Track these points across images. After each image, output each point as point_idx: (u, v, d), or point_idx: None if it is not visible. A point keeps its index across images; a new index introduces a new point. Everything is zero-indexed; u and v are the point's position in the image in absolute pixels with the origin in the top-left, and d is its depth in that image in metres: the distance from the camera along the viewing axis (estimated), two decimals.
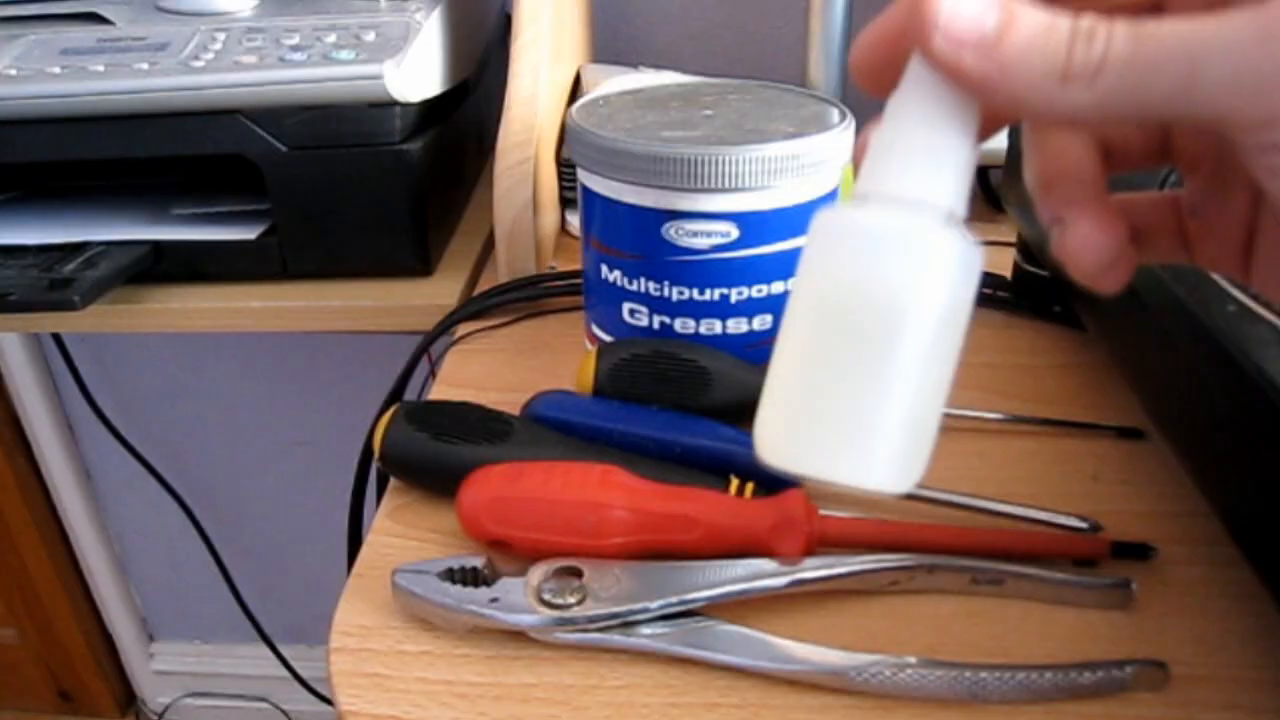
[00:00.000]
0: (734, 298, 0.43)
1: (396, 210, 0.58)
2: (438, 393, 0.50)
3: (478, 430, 0.40)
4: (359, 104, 0.54)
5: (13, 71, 0.55)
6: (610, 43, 0.85)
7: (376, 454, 0.40)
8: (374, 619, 0.36)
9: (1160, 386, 0.36)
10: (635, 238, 0.43)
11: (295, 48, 0.55)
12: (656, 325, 0.44)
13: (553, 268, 0.59)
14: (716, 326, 0.43)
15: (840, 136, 0.42)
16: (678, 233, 0.41)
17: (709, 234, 0.41)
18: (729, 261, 0.42)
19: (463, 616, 0.34)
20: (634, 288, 0.43)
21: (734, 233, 0.41)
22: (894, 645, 0.33)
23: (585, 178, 0.44)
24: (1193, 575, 0.36)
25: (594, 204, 0.44)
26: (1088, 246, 0.21)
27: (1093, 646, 0.33)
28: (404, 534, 0.40)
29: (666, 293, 0.43)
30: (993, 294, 0.55)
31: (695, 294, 0.43)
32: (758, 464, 0.20)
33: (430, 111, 0.59)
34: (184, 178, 0.66)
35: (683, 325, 0.43)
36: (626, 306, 0.44)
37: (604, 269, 0.45)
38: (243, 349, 1.08)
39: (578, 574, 0.34)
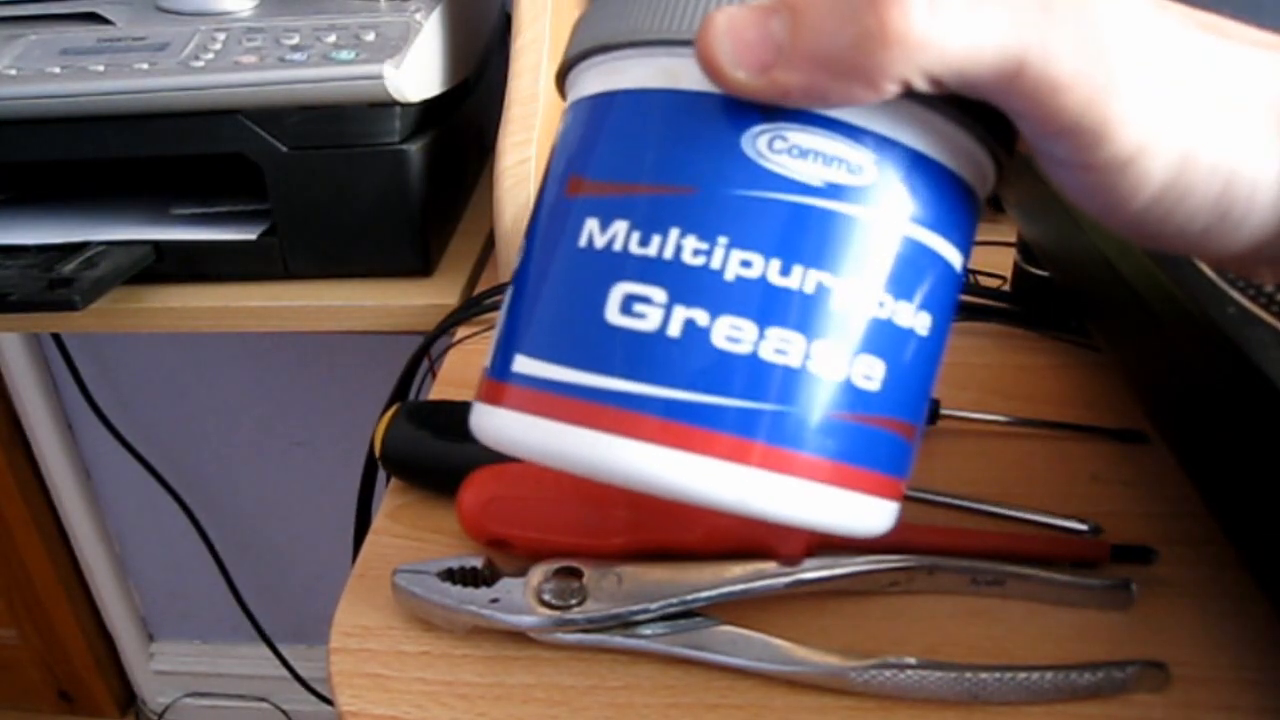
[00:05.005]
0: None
1: (396, 210, 0.58)
2: (438, 393, 0.50)
3: None
4: (359, 104, 0.54)
5: (13, 71, 0.55)
6: None
7: (377, 453, 0.41)
8: (374, 619, 0.36)
9: (1160, 388, 0.36)
10: (684, 157, 0.21)
11: (295, 48, 0.55)
12: (676, 330, 0.20)
13: None
14: (792, 349, 0.20)
15: None
16: (773, 146, 0.20)
17: (829, 158, 0.20)
18: (846, 221, 0.20)
19: (463, 617, 0.34)
20: (648, 251, 0.21)
21: (871, 172, 0.21)
22: (894, 646, 0.33)
23: (595, 73, 0.23)
24: (1193, 576, 0.36)
25: (603, 114, 0.23)
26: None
27: (1093, 647, 0.33)
28: (404, 534, 0.40)
29: (719, 259, 0.20)
30: (993, 294, 0.55)
31: (773, 268, 0.20)
32: None
33: (430, 111, 0.59)
34: (184, 178, 0.66)
35: (731, 331, 0.20)
36: (620, 292, 0.21)
37: (591, 230, 0.21)
38: (243, 349, 1.08)
39: (578, 574, 0.34)
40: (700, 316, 0.20)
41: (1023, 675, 0.31)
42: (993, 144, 0.22)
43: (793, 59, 0.18)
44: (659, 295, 0.20)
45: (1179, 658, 0.32)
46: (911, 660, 0.31)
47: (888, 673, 0.31)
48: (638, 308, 0.20)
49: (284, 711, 1.33)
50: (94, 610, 1.30)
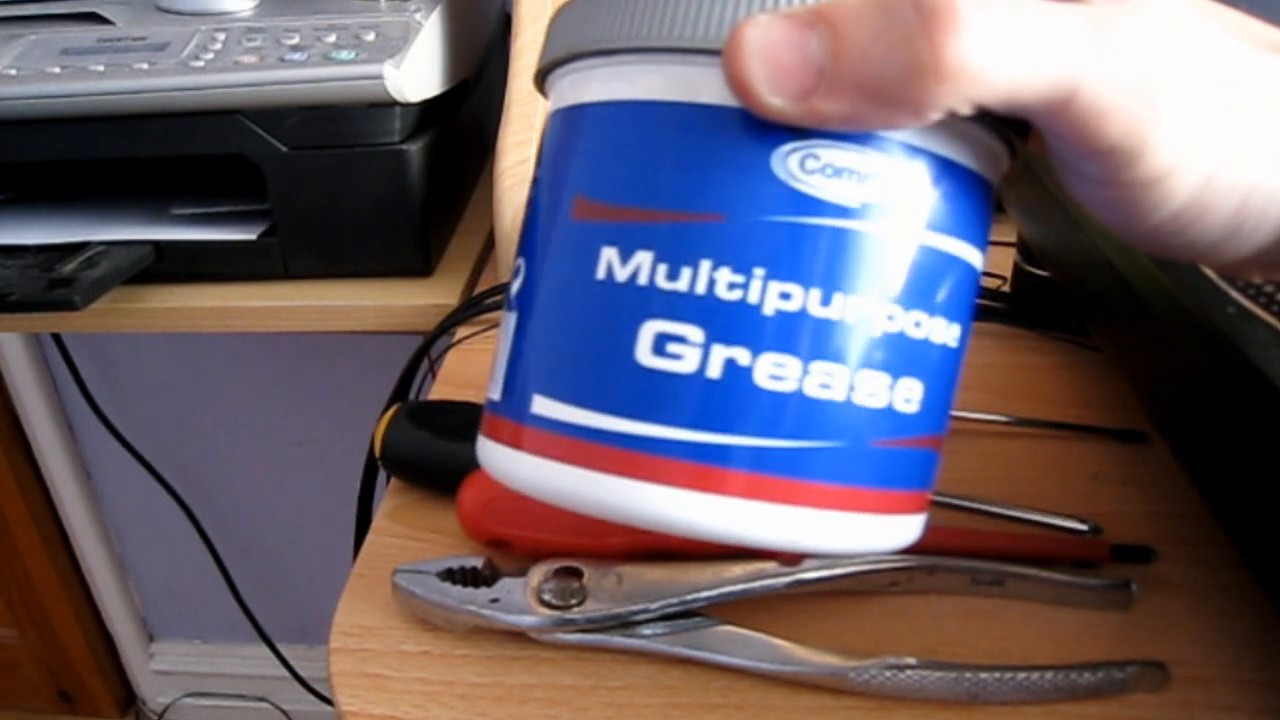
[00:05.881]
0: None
1: (396, 210, 0.58)
2: (438, 393, 0.50)
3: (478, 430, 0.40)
4: (359, 104, 0.54)
5: (13, 71, 0.55)
6: None
7: (377, 453, 0.41)
8: (374, 619, 0.36)
9: (1160, 388, 0.36)
10: (709, 180, 0.19)
11: (295, 48, 0.55)
12: (716, 371, 0.19)
13: None
14: (836, 383, 0.19)
15: None
16: (805, 166, 0.19)
17: (863, 176, 0.19)
18: (883, 243, 0.19)
19: (463, 617, 0.34)
20: (678, 286, 0.19)
21: (902, 187, 0.20)
22: (894, 646, 0.33)
23: (593, 78, 0.21)
24: (1193, 576, 0.36)
25: (608, 127, 0.21)
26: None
27: (1093, 647, 0.33)
28: (404, 534, 0.40)
29: (756, 293, 0.19)
30: (993, 295, 0.55)
31: (813, 299, 0.19)
32: None
33: (430, 111, 0.59)
34: (184, 178, 0.66)
35: (774, 369, 0.19)
36: (651, 331, 0.19)
37: (610, 261, 0.20)
38: (243, 349, 1.08)
39: (578, 574, 0.34)
40: (741, 355, 0.19)
41: (1022, 675, 0.31)
42: (1010, 136, 0.21)
43: (836, 86, 0.17)
44: (695, 334, 0.19)
45: (1179, 658, 0.32)
46: (911, 660, 0.31)
47: (888, 673, 0.31)
48: (672, 348, 0.19)
49: (284, 711, 1.33)
50: (94, 610, 1.30)
